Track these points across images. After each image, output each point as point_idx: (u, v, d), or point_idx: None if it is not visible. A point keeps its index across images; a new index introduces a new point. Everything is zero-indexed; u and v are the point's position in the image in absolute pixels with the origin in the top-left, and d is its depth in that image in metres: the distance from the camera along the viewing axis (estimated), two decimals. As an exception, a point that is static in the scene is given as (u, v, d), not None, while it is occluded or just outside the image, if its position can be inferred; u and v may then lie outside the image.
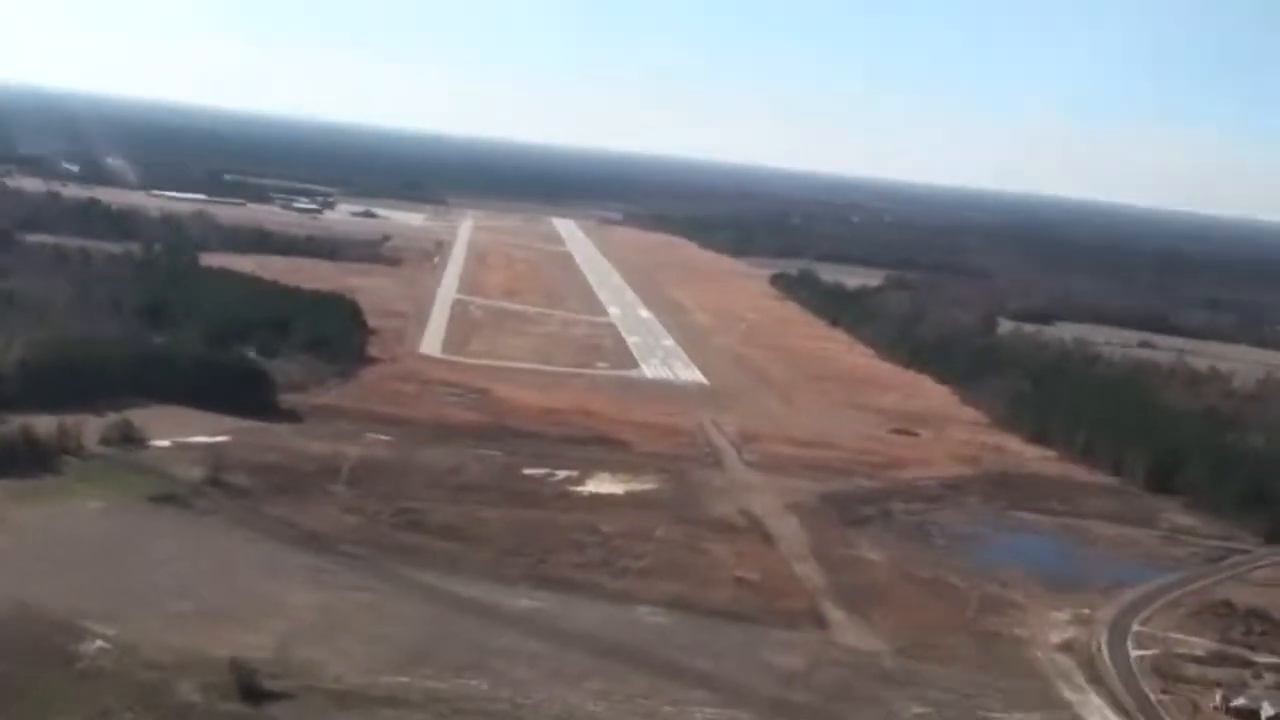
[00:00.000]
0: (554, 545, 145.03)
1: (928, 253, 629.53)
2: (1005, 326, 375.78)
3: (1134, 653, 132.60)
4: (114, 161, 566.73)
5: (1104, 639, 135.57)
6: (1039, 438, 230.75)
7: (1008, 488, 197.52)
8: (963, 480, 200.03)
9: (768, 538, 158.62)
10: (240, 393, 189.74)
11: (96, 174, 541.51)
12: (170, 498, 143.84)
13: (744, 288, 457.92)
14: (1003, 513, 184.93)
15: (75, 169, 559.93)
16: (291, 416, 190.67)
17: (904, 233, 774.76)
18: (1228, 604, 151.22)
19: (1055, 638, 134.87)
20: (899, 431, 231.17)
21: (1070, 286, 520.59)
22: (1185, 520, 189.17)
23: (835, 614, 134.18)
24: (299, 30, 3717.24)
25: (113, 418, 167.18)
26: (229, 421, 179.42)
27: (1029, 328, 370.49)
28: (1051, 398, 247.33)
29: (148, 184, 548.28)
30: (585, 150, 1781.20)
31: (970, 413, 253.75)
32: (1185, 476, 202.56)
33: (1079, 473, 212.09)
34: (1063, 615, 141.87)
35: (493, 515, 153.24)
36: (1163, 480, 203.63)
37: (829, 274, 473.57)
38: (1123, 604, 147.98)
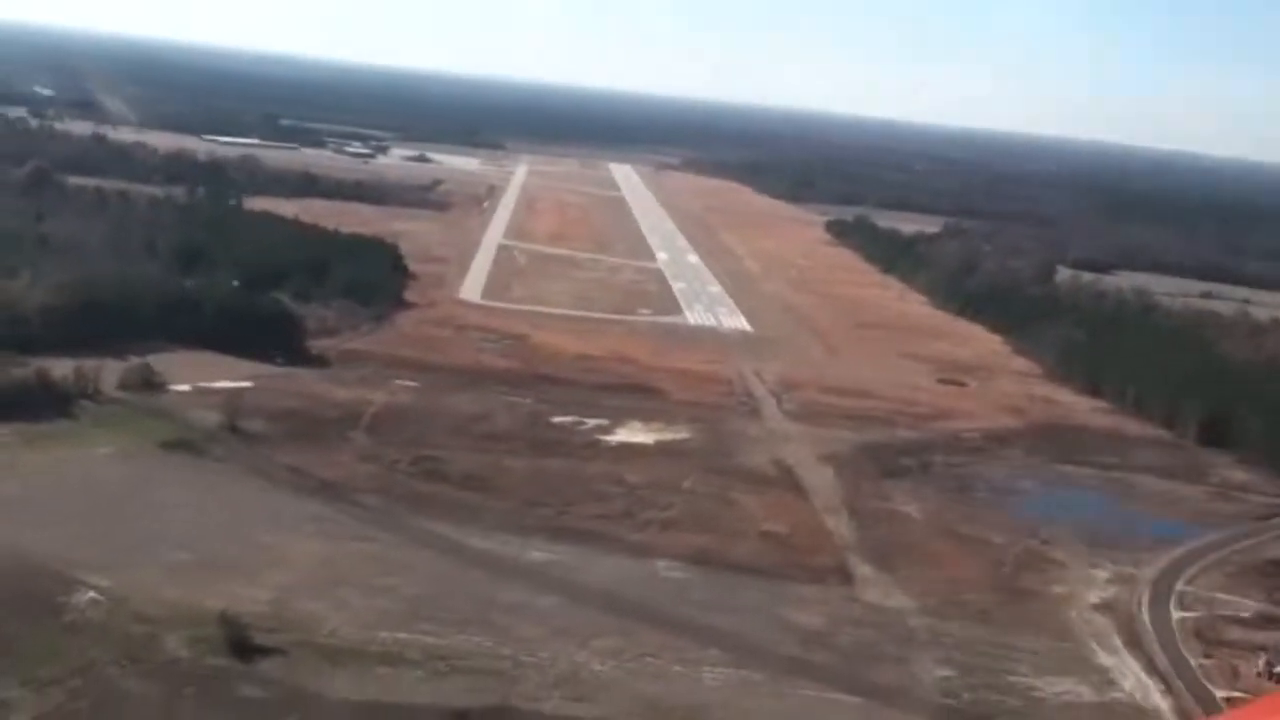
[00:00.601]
0: (576, 496, 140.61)
1: (989, 200, 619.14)
2: (1063, 275, 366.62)
3: (1176, 614, 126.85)
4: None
5: (1145, 599, 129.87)
6: (1091, 389, 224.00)
7: (1054, 440, 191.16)
8: (1008, 432, 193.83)
9: (800, 489, 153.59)
10: (268, 337, 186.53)
11: (143, 117, 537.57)
12: (184, 444, 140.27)
13: (798, 234, 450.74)
14: (1048, 466, 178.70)
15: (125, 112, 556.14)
16: (320, 361, 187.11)
17: (966, 179, 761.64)
18: (1277, 564, 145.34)
19: (1094, 597, 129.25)
20: (946, 381, 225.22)
21: (1133, 236, 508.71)
22: (1238, 475, 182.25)
23: (863, 569, 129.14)
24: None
25: (133, 362, 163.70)
26: (254, 366, 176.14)
27: (1087, 277, 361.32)
28: (1106, 348, 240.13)
29: (200, 128, 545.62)
30: (646, 95, 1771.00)
31: (1022, 363, 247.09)
32: (1241, 430, 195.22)
33: (1130, 425, 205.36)
34: (1103, 574, 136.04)
35: (516, 464, 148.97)
36: (1217, 434, 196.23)
37: (889, 221, 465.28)
38: (1167, 562, 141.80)
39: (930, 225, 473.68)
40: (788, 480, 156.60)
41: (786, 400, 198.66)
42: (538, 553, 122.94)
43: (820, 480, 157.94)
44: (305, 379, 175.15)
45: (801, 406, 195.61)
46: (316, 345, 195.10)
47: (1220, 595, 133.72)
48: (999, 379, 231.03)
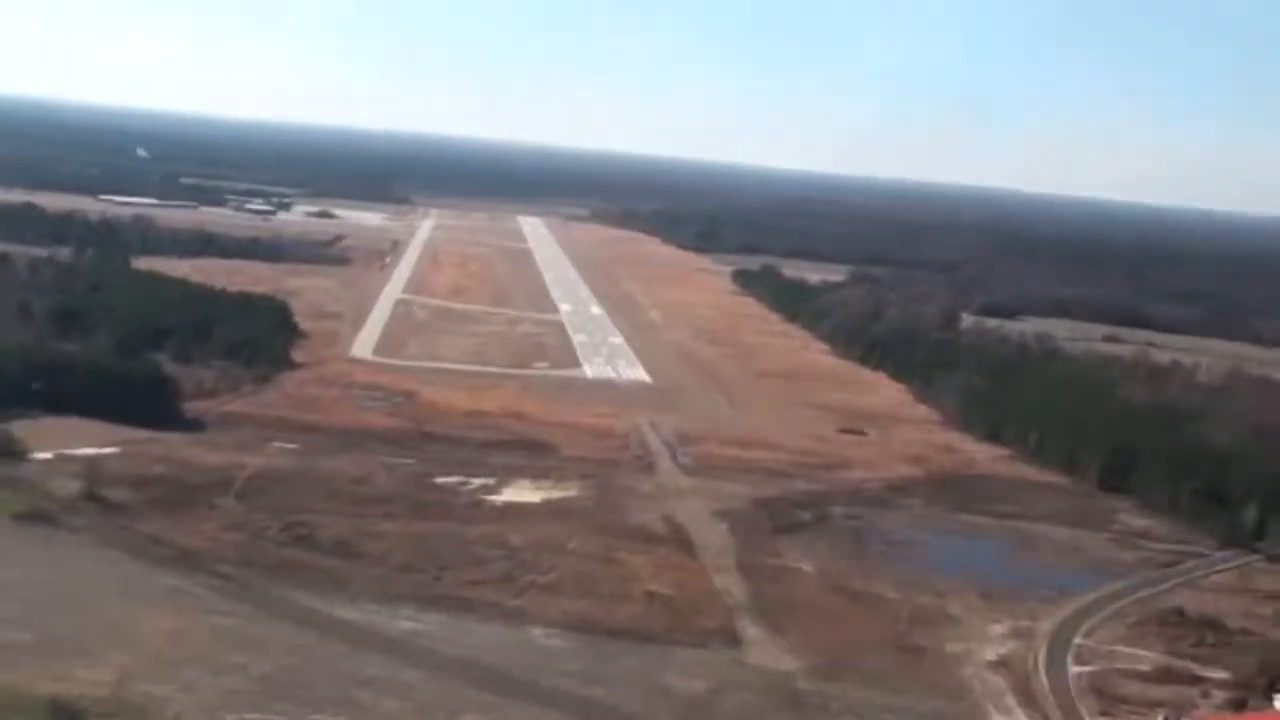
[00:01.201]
0: (453, 560, 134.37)
1: (896, 248, 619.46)
2: (968, 322, 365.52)
3: (1073, 669, 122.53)
4: None
5: (1042, 654, 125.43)
6: (992, 436, 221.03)
7: (954, 489, 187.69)
8: (908, 482, 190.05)
9: (689, 547, 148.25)
10: (140, 401, 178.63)
11: (38, 178, 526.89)
12: (37, 515, 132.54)
13: (704, 283, 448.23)
14: (947, 516, 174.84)
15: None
16: (194, 425, 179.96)
17: (874, 228, 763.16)
18: (1179, 612, 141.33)
19: (990, 654, 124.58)
20: (846, 431, 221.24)
21: (1039, 280, 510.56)
22: (1139, 522, 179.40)
23: (751, 631, 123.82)
24: (266, 33, 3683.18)
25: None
26: (123, 432, 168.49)
27: (991, 322, 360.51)
28: (1006, 394, 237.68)
29: (97, 188, 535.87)
30: (555, 148, 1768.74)
31: (923, 411, 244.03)
32: (1142, 475, 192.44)
33: (1030, 472, 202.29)
34: (1000, 628, 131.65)
35: (391, 528, 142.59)
36: (1118, 479, 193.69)
37: (796, 270, 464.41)
38: (1066, 614, 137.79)
39: (837, 274, 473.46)
40: (678, 538, 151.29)
41: (682, 454, 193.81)
42: (406, 622, 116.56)
43: (712, 537, 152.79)
44: (176, 444, 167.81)
45: (697, 460, 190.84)
46: (193, 408, 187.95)
47: (1120, 648, 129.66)
48: (900, 427, 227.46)
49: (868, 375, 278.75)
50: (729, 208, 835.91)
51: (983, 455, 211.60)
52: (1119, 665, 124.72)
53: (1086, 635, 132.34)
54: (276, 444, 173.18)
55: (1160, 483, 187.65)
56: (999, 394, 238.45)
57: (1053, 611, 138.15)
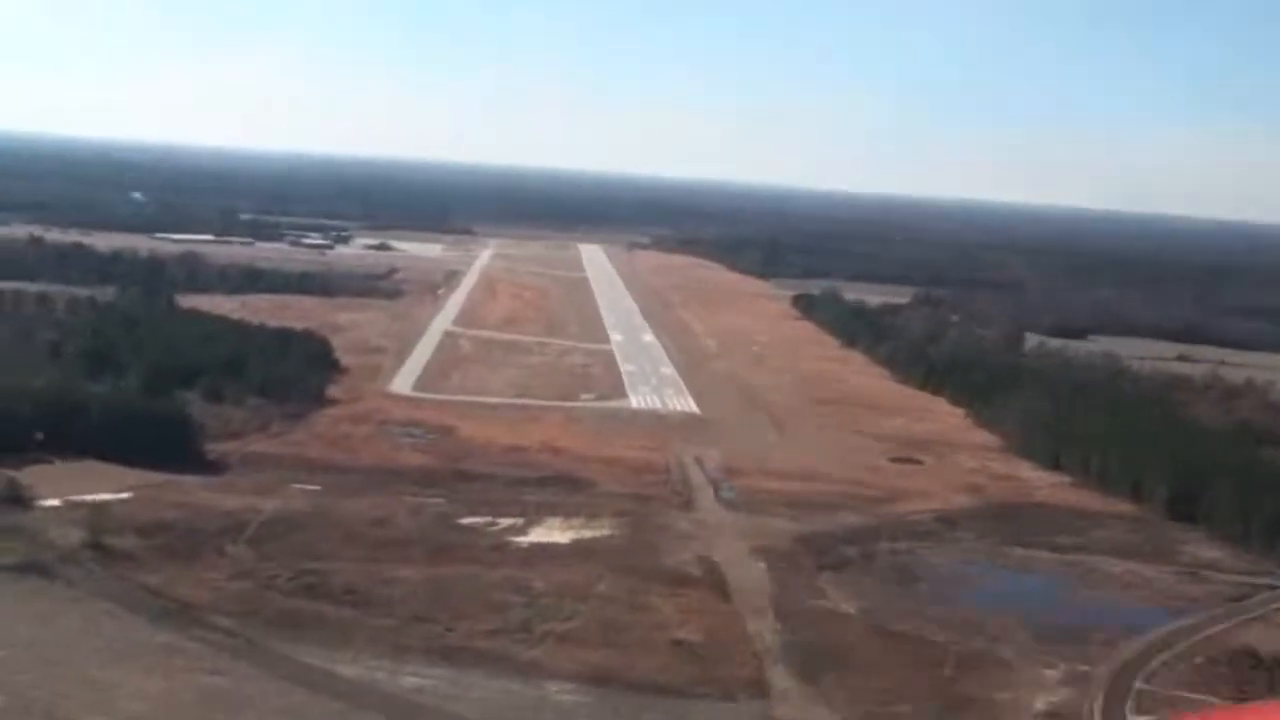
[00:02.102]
0: (470, 608, 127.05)
1: (962, 269, 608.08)
2: (1033, 343, 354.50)
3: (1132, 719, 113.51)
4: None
5: (1099, 702, 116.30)
6: (1053, 463, 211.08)
7: (1010, 520, 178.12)
8: (961, 513, 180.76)
9: (724, 589, 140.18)
10: (160, 443, 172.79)
11: (94, 218, 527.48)
12: (33, 566, 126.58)
13: (762, 309, 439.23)
14: (1001, 549, 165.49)
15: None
16: (215, 467, 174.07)
17: (938, 249, 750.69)
18: (1250, 652, 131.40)
19: (1041, 702, 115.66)
20: (899, 460, 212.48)
21: (1107, 300, 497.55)
22: (1208, 553, 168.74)
23: (783, 681, 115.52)
24: (325, 66, 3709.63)
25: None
26: (141, 475, 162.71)
27: (1056, 344, 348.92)
28: (1069, 418, 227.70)
29: (153, 227, 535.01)
30: (620, 176, 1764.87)
31: (983, 436, 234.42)
32: (1211, 502, 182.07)
33: (1093, 501, 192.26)
34: (1054, 673, 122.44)
35: (408, 574, 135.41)
36: (1186, 507, 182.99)
37: (859, 293, 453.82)
38: (1126, 656, 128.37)
39: (900, 296, 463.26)
40: (712, 579, 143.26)
41: (725, 488, 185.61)
42: (410, 678, 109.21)
43: (748, 577, 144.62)
44: (192, 487, 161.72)
45: (741, 494, 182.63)
46: (218, 449, 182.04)
47: (1184, 694, 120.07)
48: (956, 455, 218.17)
49: (926, 400, 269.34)
50: (792, 231, 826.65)
51: (1043, 483, 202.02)
52: (1183, 712, 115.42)
53: (1148, 679, 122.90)
54: (297, 486, 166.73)
55: (1231, 510, 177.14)
56: (1061, 418, 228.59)
57: (1112, 653, 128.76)
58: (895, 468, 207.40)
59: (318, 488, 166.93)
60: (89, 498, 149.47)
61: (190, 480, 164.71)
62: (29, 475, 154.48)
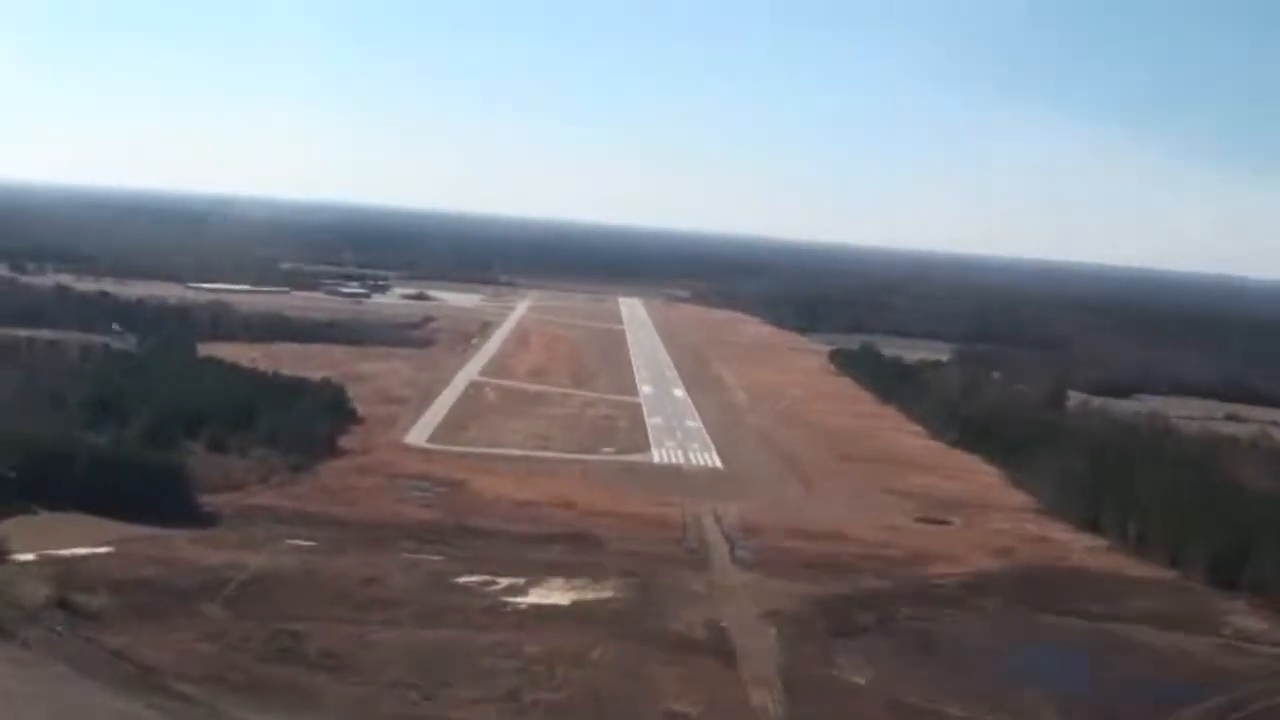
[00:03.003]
0: (455, 674, 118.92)
1: (1005, 325, 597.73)
2: (1076, 400, 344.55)
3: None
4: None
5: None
6: (1090, 525, 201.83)
7: (1041, 586, 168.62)
8: (990, 577, 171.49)
9: (729, 656, 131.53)
10: (151, 494, 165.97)
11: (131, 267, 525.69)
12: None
13: (799, 364, 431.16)
14: (1030, 617, 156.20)
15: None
16: (207, 520, 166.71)
17: (983, 305, 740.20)
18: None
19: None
20: (927, 520, 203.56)
21: (1157, 357, 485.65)
22: (1252, 624, 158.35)
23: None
24: (384, 118, 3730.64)
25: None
26: (125, 529, 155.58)
27: (1099, 401, 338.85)
28: (1108, 479, 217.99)
29: (189, 276, 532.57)
30: (662, 230, 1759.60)
31: (1017, 497, 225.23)
32: (1256, 569, 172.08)
33: (1130, 566, 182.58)
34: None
35: (390, 637, 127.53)
36: (1229, 574, 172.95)
37: (899, 349, 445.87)
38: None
39: (941, 352, 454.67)
40: (717, 645, 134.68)
41: (741, 546, 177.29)
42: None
43: (757, 644, 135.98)
44: (177, 541, 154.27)
45: (757, 553, 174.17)
46: (213, 501, 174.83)
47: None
48: (988, 515, 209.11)
49: (960, 459, 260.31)
50: (833, 286, 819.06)
51: (1078, 546, 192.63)
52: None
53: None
54: (290, 541, 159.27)
55: (1278, 578, 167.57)
56: (1100, 478, 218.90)
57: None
58: (922, 528, 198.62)
59: (311, 543, 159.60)
60: (65, 552, 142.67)
61: (177, 534, 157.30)
62: (8, 527, 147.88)
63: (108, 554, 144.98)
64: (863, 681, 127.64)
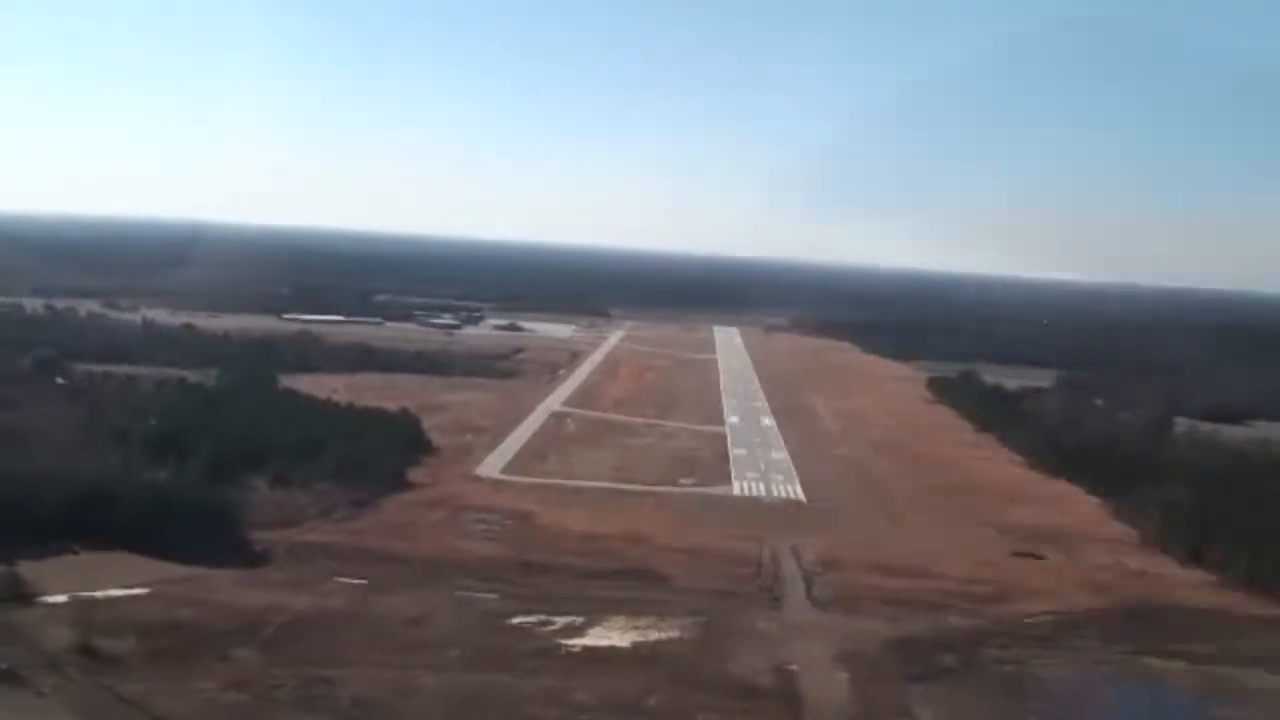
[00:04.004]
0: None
1: (1113, 352, 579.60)
2: (1183, 428, 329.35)
3: None
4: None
5: None
6: (1196, 559, 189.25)
7: (1143, 624, 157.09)
8: (1086, 615, 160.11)
9: (796, 703, 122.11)
10: (199, 533, 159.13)
11: (226, 301, 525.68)
12: (8, 674, 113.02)
13: (895, 392, 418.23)
14: (1129, 659, 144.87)
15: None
16: (257, 559, 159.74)
17: (1091, 333, 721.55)
18: None
19: None
20: (1022, 554, 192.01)
21: (1272, 382, 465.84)
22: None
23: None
24: (490, 154, 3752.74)
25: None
26: (168, 569, 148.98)
27: (1209, 428, 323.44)
28: (1216, 510, 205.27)
29: (285, 309, 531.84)
30: (768, 260, 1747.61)
31: (1119, 530, 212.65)
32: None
33: (1240, 603, 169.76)
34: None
35: (431, 683, 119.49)
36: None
37: (1001, 376, 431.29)
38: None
39: (1045, 380, 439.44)
40: (784, 692, 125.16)
41: (820, 583, 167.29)
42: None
43: (827, 690, 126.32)
44: (219, 582, 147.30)
45: (837, 591, 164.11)
46: (268, 538, 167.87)
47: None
48: (1086, 549, 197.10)
49: (1060, 489, 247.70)
50: (937, 313, 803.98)
51: (1183, 582, 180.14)
52: None
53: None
54: (340, 579, 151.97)
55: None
56: (1208, 510, 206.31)
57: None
58: (1016, 562, 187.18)
59: (362, 581, 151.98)
60: (99, 594, 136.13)
61: (222, 574, 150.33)
62: (46, 567, 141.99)
63: (142, 595, 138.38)
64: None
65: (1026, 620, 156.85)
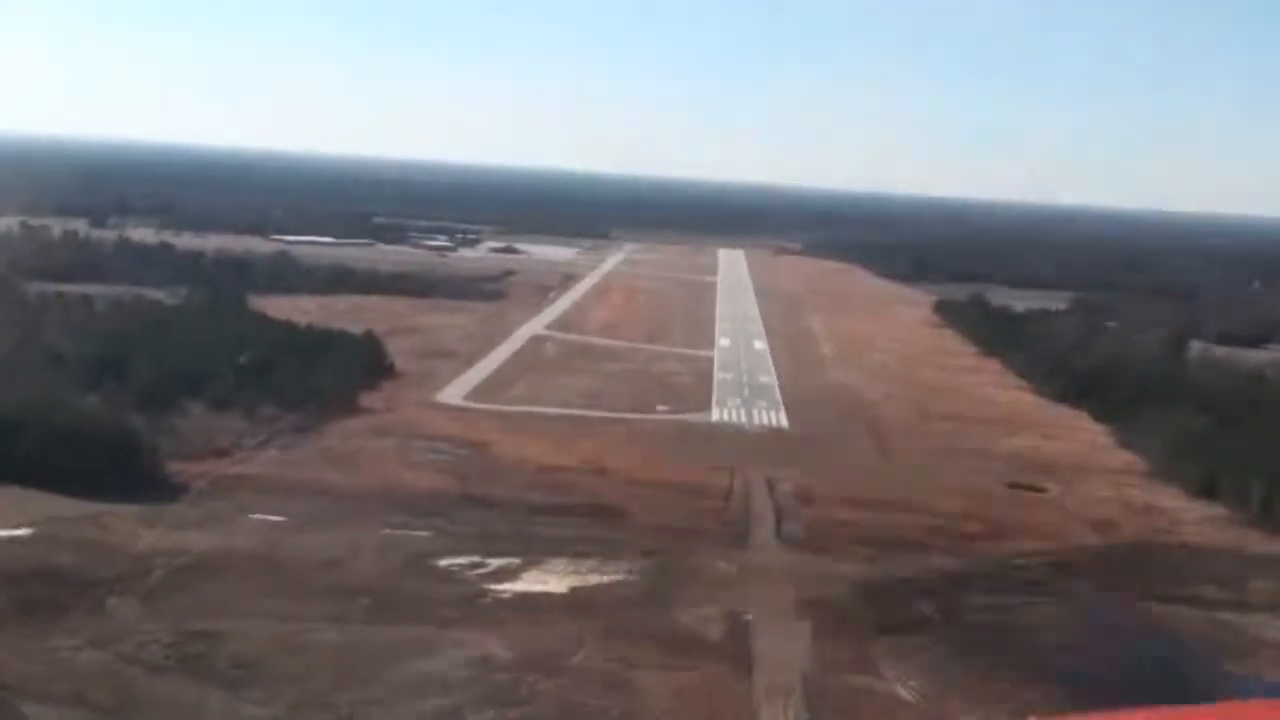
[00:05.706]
0: (391, 687, 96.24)
1: (1130, 275, 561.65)
2: (1197, 350, 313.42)
3: None
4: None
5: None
6: (1206, 491, 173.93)
7: (1145, 565, 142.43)
8: (1084, 555, 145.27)
9: (746, 660, 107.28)
10: (111, 464, 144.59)
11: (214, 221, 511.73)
12: None
13: (900, 315, 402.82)
14: (1129, 605, 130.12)
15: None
16: (171, 493, 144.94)
17: (1109, 256, 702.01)
18: None
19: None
20: (1018, 486, 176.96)
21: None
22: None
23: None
24: (502, 81, 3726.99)
25: None
26: (62, 505, 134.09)
27: (1225, 351, 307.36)
28: (1228, 437, 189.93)
29: (275, 230, 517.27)
30: (788, 187, 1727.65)
31: (1125, 459, 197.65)
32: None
33: (1253, 540, 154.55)
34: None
35: (327, 638, 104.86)
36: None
37: (1013, 299, 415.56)
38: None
39: (1057, 303, 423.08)
40: (733, 645, 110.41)
41: (791, 519, 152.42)
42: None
43: (783, 643, 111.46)
44: (117, 520, 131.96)
45: (809, 528, 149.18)
46: (193, 469, 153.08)
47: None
48: (1089, 480, 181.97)
49: (1065, 416, 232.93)
50: (949, 237, 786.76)
51: (1191, 517, 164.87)
52: None
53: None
54: (256, 516, 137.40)
55: None
56: (1219, 437, 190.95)
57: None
58: (1012, 495, 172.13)
59: (281, 518, 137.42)
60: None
61: (124, 511, 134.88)
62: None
63: (23, 537, 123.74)
64: (906, 695, 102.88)
65: (1018, 561, 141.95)
